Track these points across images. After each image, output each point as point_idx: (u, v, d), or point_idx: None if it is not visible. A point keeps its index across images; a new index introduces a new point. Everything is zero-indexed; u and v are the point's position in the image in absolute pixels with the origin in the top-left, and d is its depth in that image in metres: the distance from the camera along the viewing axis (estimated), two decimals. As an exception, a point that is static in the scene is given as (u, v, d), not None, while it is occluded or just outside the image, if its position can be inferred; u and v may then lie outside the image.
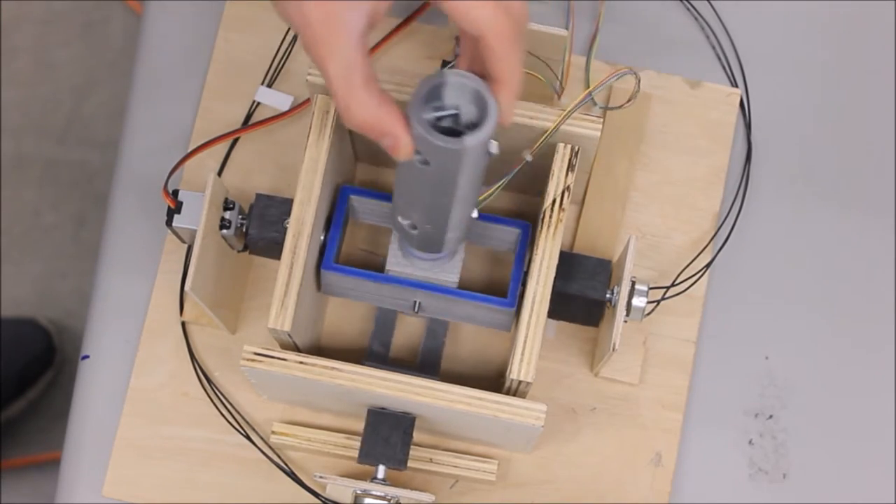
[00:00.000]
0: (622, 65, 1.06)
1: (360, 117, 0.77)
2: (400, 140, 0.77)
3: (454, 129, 0.78)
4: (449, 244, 0.90)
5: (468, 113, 0.78)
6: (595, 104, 1.05)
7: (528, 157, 0.89)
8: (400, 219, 0.89)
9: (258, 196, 0.94)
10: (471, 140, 0.76)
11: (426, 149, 0.77)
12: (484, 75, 0.78)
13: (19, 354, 1.90)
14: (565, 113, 0.89)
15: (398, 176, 0.85)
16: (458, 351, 1.02)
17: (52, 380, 1.92)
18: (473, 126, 0.78)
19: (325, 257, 0.93)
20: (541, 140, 0.90)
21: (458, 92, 0.78)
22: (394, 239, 0.93)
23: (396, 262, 0.93)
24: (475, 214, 0.87)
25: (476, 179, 0.82)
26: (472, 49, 0.81)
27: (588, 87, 1.06)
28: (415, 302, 0.94)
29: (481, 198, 0.89)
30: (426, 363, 0.99)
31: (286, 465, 0.99)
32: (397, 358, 1.01)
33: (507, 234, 0.96)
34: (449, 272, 0.93)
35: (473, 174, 0.81)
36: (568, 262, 0.93)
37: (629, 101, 1.01)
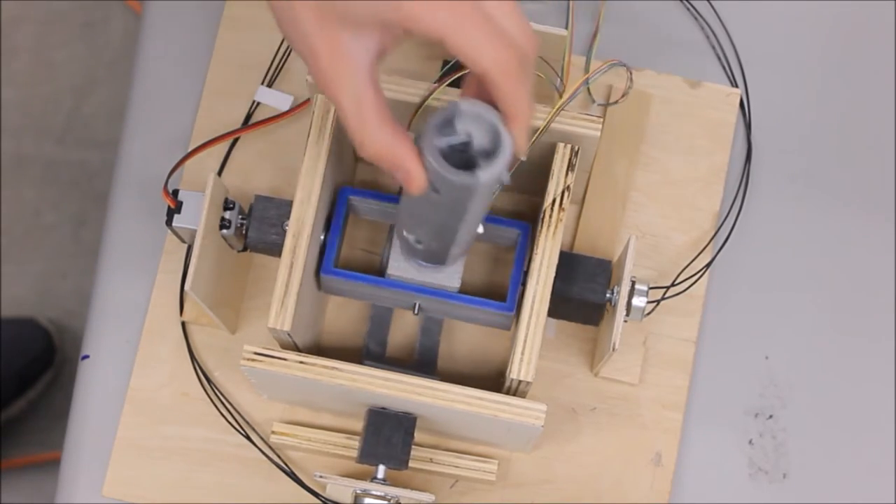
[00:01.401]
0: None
1: (373, 150, 0.76)
2: (412, 174, 0.76)
3: (466, 155, 0.77)
4: (453, 257, 0.90)
5: (480, 140, 0.77)
6: (593, 101, 1.05)
7: (522, 157, 0.89)
8: (405, 233, 0.89)
9: (257, 198, 0.94)
10: (485, 175, 0.75)
11: (438, 181, 0.76)
12: (493, 103, 0.76)
13: (19, 354, 1.90)
14: (556, 107, 0.89)
15: (405, 196, 0.85)
16: (457, 350, 1.02)
17: (52, 380, 1.92)
18: (486, 153, 0.77)
19: (325, 260, 0.93)
20: (535, 136, 0.90)
21: (471, 121, 0.76)
22: (395, 243, 0.93)
23: (397, 267, 0.93)
24: (481, 230, 0.87)
25: (486, 205, 0.82)
26: (477, 80, 0.79)
27: (588, 87, 1.05)
28: (415, 304, 0.94)
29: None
30: (423, 361, 0.99)
31: (286, 464, 0.99)
32: (394, 356, 1.01)
33: (507, 234, 0.96)
34: (450, 278, 0.93)
35: (484, 202, 0.81)
36: (568, 264, 0.93)
37: (623, 95, 1.02)
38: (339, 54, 0.74)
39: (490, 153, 0.76)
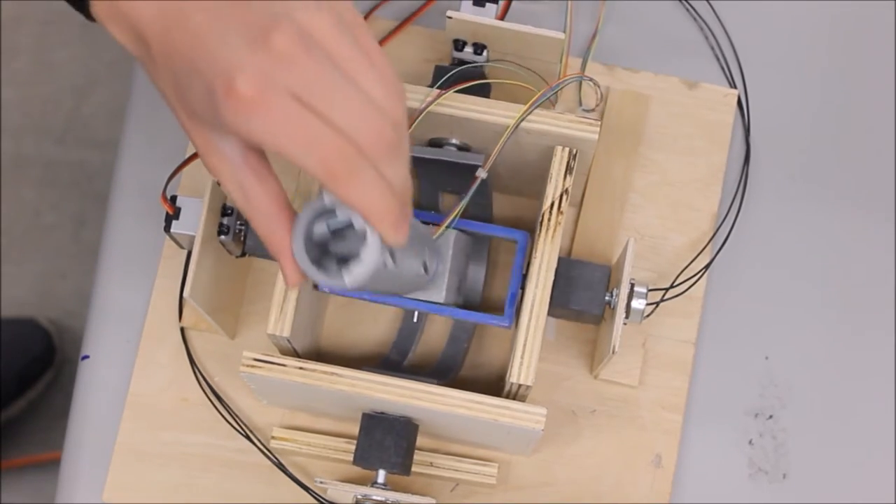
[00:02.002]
0: (620, 66, 1.06)
1: (259, 235, 0.73)
2: (285, 271, 0.73)
3: (353, 234, 0.73)
4: (411, 291, 0.89)
5: (360, 223, 0.72)
6: (580, 105, 1.05)
7: (483, 175, 0.88)
8: None
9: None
10: (351, 279, 0.72)
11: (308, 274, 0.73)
12: None
13: (19, 354, 1.90)
14: (518, 117, 0.89)
15: None
16: (457, 354, 1.02)
17: (52, 380, 1.93)
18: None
19: None
20: (495, 152, 0.89)
21: (343, 208, 0.72)
22: None
23: None
24: (422, 270, 0.85)
25: (393, 274, 0.78)
26: None
27: (580, 94, 1.05)
28: (415, 311, 0.94)
29: (438, 232, 0.88)
30: (442, 368, 0.99)
31: (287, 468, 0.99)
32: (414, 365, 1.01)
33: (506, 242, 0.96)
34: (434, 293, 0.91)
35: (384, 279, 0.77)
36: (566, 272, 0.93)
37: (597, 105, 1.02)
38: (213, 151, 0.71)
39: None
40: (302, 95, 0.65)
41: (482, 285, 0.98)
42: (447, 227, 0.88)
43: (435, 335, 1.02)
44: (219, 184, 1.00)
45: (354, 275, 0.71)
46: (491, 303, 1.01)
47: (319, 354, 1.02)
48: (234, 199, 0.73)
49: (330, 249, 0.74)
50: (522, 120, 0.89)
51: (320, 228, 0.73)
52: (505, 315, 0.92)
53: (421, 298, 0.91)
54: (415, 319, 0.95)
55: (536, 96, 0.90)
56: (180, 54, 0.67)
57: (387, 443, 0.91)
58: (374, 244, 0.71)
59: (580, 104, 1.05)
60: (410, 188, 0.72)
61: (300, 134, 0.65)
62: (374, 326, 1.02)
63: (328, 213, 0.72)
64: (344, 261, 0.72)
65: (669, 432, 1.01)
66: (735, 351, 1.04)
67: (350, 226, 0.72)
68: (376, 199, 0.68)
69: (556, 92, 0.91)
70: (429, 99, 0.90)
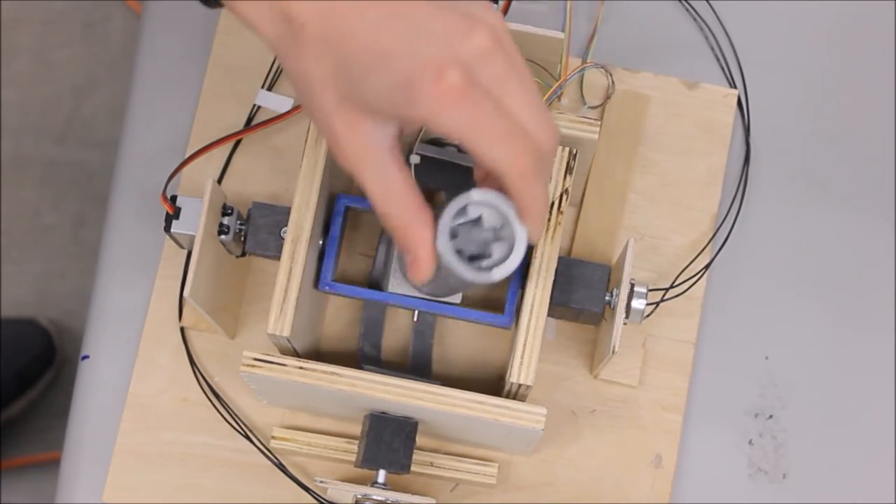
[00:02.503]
0: (619, 66, 1.06)
1: (391, 226, 0.74)
2: (420, 264, 0.74)
3: (475, 232, 0.76)
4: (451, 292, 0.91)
5: (490, 219, 0.75)
6: (584, 103, 1.05)
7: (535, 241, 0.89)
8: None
9: (255, 205, 0.94)
10: (499, 274, 0.75)
11: (449, 271, 0.75)
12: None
13: (19, 354, 1.90)
14: None
15: None
16: (457, 354, 1.02)
17: (52, 380, 1.93)
18: (495, 230, 0.75)
19: (323, 273, 0.93)
20: None
21: (483, 207, 0.75)
22: (395, 259, 0.92)
23: (398, 284, 0.92)
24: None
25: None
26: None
27: (581, 90, 1.05)
28: (414, 311, 0.94)
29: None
30: (417, 364, 0.99)
31: (287, 468, 0.99)
32: (389, 359, 1.01)
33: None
34: (452, 296, 0.92)
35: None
36: (566, 271, 0.93)
37: (608, 98, 1.02)
38: (360, 137, 0.72)
39: (499, 230, 0.75)
40: (496, 92, 0.69)
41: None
42: None
43: (396, 326, 1.03)
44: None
45: (502, 271, 0.75)
46: (486, 302, 1.01)
47: (319, 354, 1.02)
48: (371, 189, 0.73)
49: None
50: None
51: (452, 225, 0.75)
52: (505, 314, 0.92)
53: (436, 300, 0.92)
54: (415, 319, 0.95)
55: (552, 90, 0.90)
56: (357, 43, 0.69)
57: (395, 444, 0.91)
58: (523, 244, 0.75)
59: (584, 102, 1.05)
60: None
61: (497, 129, 0.68)
62: (363, 325, 1.02)
63: (459, 215, 0.75)
64: (474, 257, 0.75)
65: (669, 432, 1.01)
66: (735, 351, 1.04)
67: (476, 222, 0.75)
68: (545, 200, 0.73)
69: (563, 88, 0.91)
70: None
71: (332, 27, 0.69)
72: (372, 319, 0.99)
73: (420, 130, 0.86)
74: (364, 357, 0.99)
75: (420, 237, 0.74)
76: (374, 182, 0.73)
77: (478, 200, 0.74)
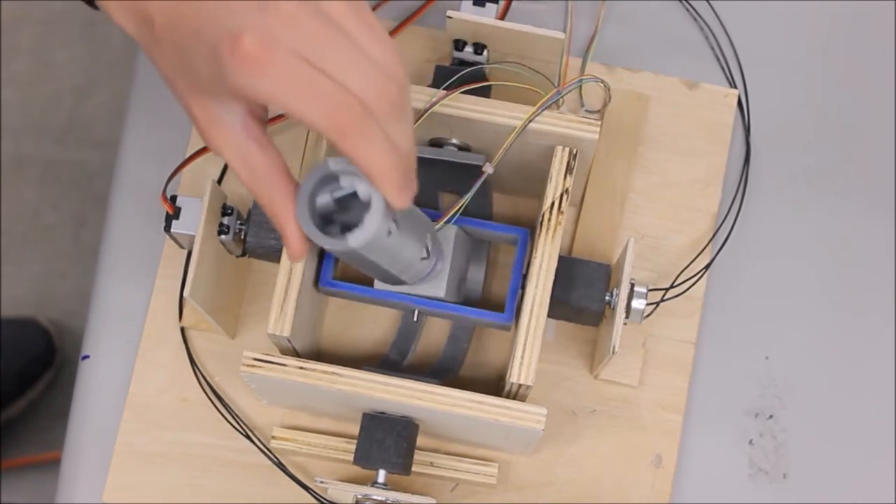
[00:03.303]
0: (619, 66, 1.07)
1: (262, 206, 0.75)
2: (288, 240, 0.74)
3: (358, 204, 0.74)
4: (413, 278, 0.89)
5: (364, 190, 0.74)
6: (582, 106, 1.05)
7: (490, 170, 0.89)
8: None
9: (256, 204, 0.94)
10: (355, 239, 0.73)
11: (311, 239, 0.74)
12: None
13: (19, 354, 1.90)
14: (526, 118, 0.89)
15: None
16: (457, 354, 1.02)
17: (52, 380, 1.93)
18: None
19: (323, 272, 0.93)
20: (502, 149, 0.90)
21: (347, 175, 0.74)
22: None
23: (381, 283, 0.92)
24: (424, 254, 0.85)
25: (395, 246, 0.79)
26: None
27: (580, 93, 1.05)
28: (415, 310, 0.94)
29: (441, 223, 0.89)
30: (442, 368, 0.99)
31: (287, 468, 0.99)
32: (414, 365, 1.01)
33: (505, 240, 0.96)
34: (434, 287, 0.91)
35: (386, 249, 0.78)
36: (567, 270, 0.93)
37: (604, 106, 1.02)
38: (212, 119, 0.72)
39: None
40: (307, 54, 0.67)
41: (482, 286, 0.98)
42: (450, 219, 0.89)
43: (434, 336, 1.02)
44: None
45: (357, 236, 0.72)
46: (491, 303, 1.01)
47: (319, 354, 1.02)
48: (236, 169, 0.74)
49: (334, 219, 0.75)
50: (532, 120, 0.89)
51: (324, 199, 0.74)
52: (506, 311, 0.92)
53: (421, 294, 0.92)
54: (414, 318, 0.95)
55: (547, 97, 0.90)
56: (184, 23, 0.69)
57: (387, 443, 0.91)
58: (378, 206, 0.72)
59: (582, 105, 1.05)
60: (415, 153, 0.73)
61: (307, 89, 0.66)
62: (374, 326, 1.02)
63: (332, 183, 0.74)
64: (348, 229, 0.73)
65: (669, 432, 1.01)
66: (735, 351, 1.04)
67: (354, 195, 0.74)
68: (383, 157, 0.69)
69: (561, 96, 0.91)
70: (433, 100, 0.90)
71: (171, 12, 0.70)
72: (407, 327, 0.99)
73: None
74: (387, 362, 0.98)
75: (284, 213, 0.74)
76: (236, 163, 0.73)
77: (334, 168, 0.73)
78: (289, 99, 0.67)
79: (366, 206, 0.73)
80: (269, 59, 0.66)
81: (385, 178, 0.70)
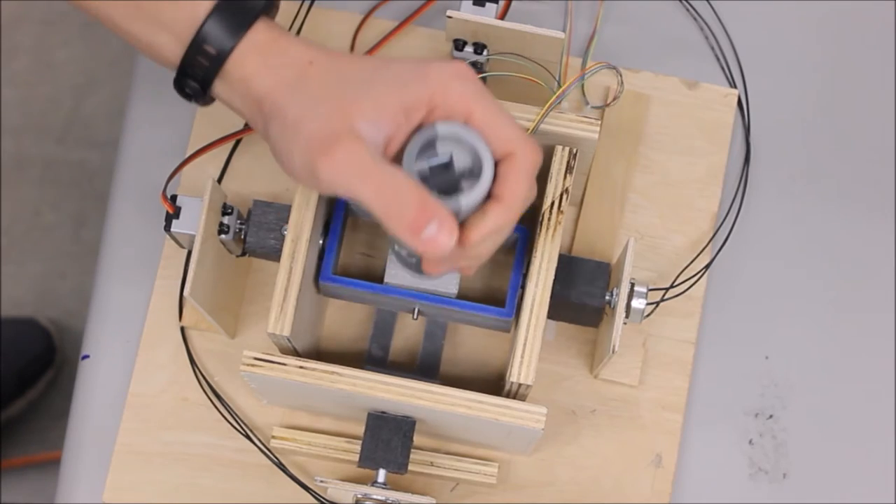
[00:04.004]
0: (620, 66, 1.06)
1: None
2: (444, 228, 0.76)
3: (449, 174, 0.78)
4: None
5: (462, 160, 0.78)
6: (587, 103, 1.05)
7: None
8: (397, 248, 0.89)
9: (256, 203, 0.94)
10: (467, 200, 0.77)
11: None
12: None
13: (19, 354, 1.90)
14: (543, 111, 0.90)
15: None
16: (457, 354, 1.02)
17: (52, 380, 1.93)
18: (469, 172, 0.78)
19: (324, 267, 0.93)
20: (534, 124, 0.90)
21: (451, 142, 0.78)
22: (391, 251, 0.92)
23: (395, 275, 0.92)
24: None
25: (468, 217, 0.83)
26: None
27: (583, 89, 1.05)
28: (414, 308, 0.94)
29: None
30: (425, 366, 0.99)
31: (287, 468, 0.99)
32: (396, 361, 1.01)
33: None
34: (447, 284, 0.92)
35: (467, 216, 0.81)
36: (567, 268, 0.93)
37: (615, 98, 1.02)
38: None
39: (472, 172, 0.77)
40: None
41: (478, 283, 0.99)
42: None
43: (407, 329, 1.03)
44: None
45: (471, 196, 0.77)
46: (486, 298, 1.01)
47: (319, 354, 1.02)
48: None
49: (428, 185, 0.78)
50: (556, 105, 0.90)
51: (421, 166, 0.78)
52: (507, 306, 0.92)
53: (435, 290, 0.92)
54: (414, 317, 0.95)
55: (560, 92, 0.90)
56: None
57: (393, 443, 0.91)
58: (489, 168, 0.77)
59: (586, 102, 1.05)
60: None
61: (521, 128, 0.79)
62: (373, 327, 1.02)
63: (428, 151, 0.78)
64: (444, 193, 0.77)
65: (669, 432, 1.01)
66: (735, 351, 1.04)
67: (448, 165, 0.78)
68: (522, 200, 0.80)
69: (560, 85, 0.91)
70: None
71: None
72: (383, 322, 0.99)
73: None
74: (371, 358, 0.99)
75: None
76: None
77: (443, 132, 0.77)
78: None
79: (460, 175, 0.78)
80: None
81: (510, 209, 0.79)
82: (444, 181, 0.78)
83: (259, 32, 0.79)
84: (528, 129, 0.90)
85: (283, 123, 0.77)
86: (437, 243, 0.75)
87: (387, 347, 0.99)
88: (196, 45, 0.79)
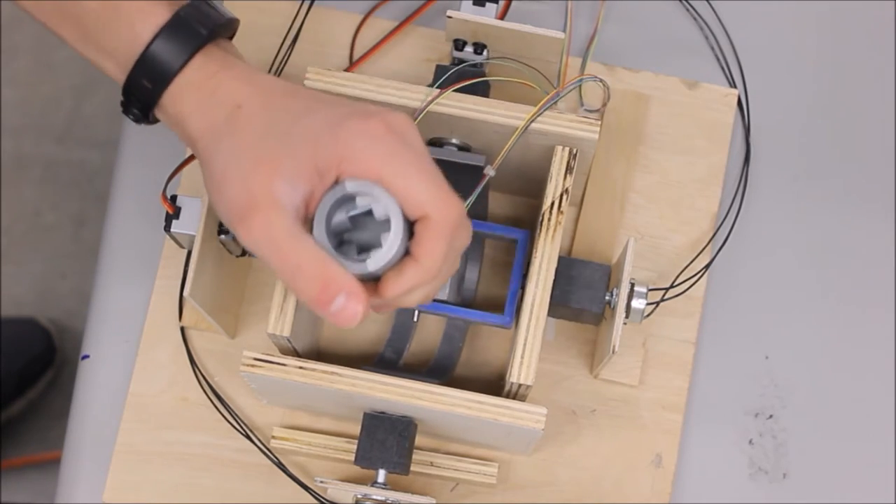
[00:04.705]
0: (619, 66, 1.07)
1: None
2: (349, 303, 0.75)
3: (370, 219, 0.77)
4: None
5: (380, 210, 0.75)
6: (581, 105, 1.05)
7: (492, 172, 0.89)
8: None
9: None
10: (374, 263, 0.75)
11: None
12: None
13: (19, 354, 1.90)
14: (527, 119, 0.89)
15: None
16: (457, 354, 1.02)
17: (52, 380, 1.93)
18: (387, 223, 0.75)
19: None
20: (504, 150, 0.90)
21: (364, 196, 0.75)
22: None
23: None
24: None
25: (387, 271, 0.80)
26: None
27: (580, 93, 1.05)
28: (415, 311, 0.94)
29: None
30: (438, 368, 0.99)
31: (287, 468, 0.99)
32: (409, 364, 1.01)
33: (505, 241, 0.96)
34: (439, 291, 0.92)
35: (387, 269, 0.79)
36: (567, 271, 0.93)
37: (603, 105, 1.01)
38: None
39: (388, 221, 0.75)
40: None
41: (476, 284, 0.98)
42: None
43: (429, 333, 1.02)
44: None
45: (376, 259, 0.75)
46: (488, 301, 1.01)
47: (319, 354, 1.02)
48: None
49: (347, 238, 0.77)
50: (533, 121, 0.89)
51: (340, 217, 0.76)
52: (505, 313, 0.92)
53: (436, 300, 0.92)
54: (414, 318, 0.95)
55: (548, 97, 0.90)
56: None
57: (388, 443, 0.91)
58: (398, 227, 0.75)
59: (581, 104, 1.05)
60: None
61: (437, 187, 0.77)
62: (374, 326, 1.02)
63: (348, 203, 0.75)
64: (364, 249, 0.75)
65: (669, 432, 1.01)
66: (735, 351, 1.04)
67: (369, 213, 0.75)
68: (437, 266, 0.77)
69: (560, 97, 0.91)
70: (428, 98, 0.90)
71: None
72: (401, 325, 0.99)
73: None
74: (382, 361, 0.98)
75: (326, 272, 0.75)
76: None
77: (351, 190, 0.75)
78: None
79: (381, 224, 0.75)
80: None
81: (424, 270, 0.77)
82: (366, 230, 0.76)
83: (195, 69, 0.78)
84: (543, 135, 0.90)
85: (212, 177, 0.77)
86: (347, 314, 0.75)
87: (401, 351, 0.99)
88: (134, 77, 0.79)
